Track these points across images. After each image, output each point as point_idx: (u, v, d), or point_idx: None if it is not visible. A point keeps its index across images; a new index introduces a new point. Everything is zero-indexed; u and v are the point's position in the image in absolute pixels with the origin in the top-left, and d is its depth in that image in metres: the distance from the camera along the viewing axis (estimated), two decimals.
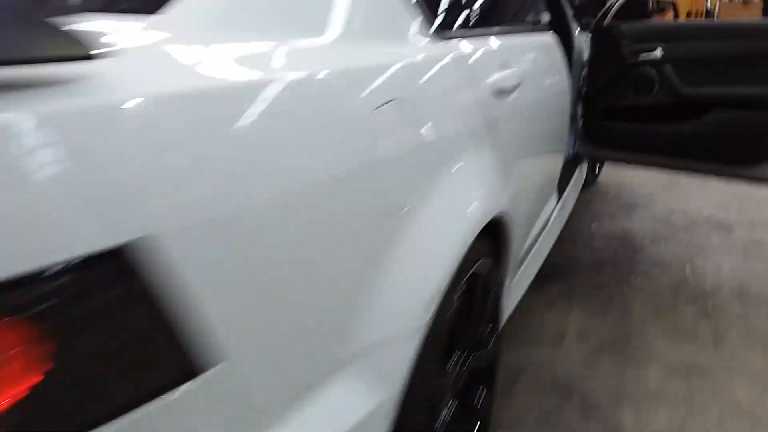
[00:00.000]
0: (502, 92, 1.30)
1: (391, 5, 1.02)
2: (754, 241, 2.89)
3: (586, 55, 2.79)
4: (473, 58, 1.20)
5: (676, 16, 3.05)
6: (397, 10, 1.03)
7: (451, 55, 1.11)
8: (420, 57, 1.02)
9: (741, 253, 2.77)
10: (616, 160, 2.83)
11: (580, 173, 3.05)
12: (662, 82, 2.49)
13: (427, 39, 1.09)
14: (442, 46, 1.12)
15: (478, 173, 1.15)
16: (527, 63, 1.54)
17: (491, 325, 1.39)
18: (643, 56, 2.54)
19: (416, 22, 1.07)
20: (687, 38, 2.47)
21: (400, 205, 0.87)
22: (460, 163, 1.07)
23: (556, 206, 2.29)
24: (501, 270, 1.48)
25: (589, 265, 2.67)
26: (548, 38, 1.83)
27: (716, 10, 15.53)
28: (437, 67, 1.05)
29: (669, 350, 2.00)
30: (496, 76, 1.28)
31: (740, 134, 2.34)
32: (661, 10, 3.03)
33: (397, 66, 0.94)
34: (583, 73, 2.80)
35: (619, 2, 2.62)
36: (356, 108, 0.81)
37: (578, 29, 2.87)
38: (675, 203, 3.44)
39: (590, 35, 2.74)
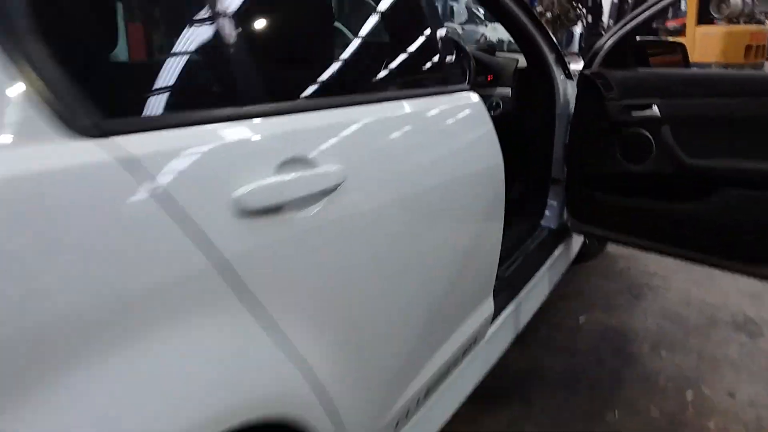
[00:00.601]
0: (274, 208, 0.78)
1: None
2: None
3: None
4: (181, 162, 0.68)
5: (686, 61, 2.42)
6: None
7: (101, 163, 0.60)
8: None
9: None
10: (606, 239, 2.24)
11: (566, 250, 2.44)
12: (659, 148, 1.90)
13: (64, 138, 0.59)
14: (95, 147, 0.61)
15: (174, 372, 0.63)
16: (370, 147, 0.99)
17: None
18: (636, 114, 1.96)
19: (45, 112, 0.57)
20: (691, 93, 1.87)
21: None
22: (105, 365, 0.56)
23: (499, 317, 1.71)
24: None
25: (561, 379, 2.06)
26: (454, 101, 1.28)
27: None
28: (49, 188, 0.54)
29: None
30: (256, 185, 0.75)
31: (760, 223, 1.72)
32: (668, 50, 2.42)
33: None
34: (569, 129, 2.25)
35: (608, 44, 2.04)
36: None
37: (563, 75, 2.31)
38: (694, 289, 2.76)
39: (576, 84, 2.19)
